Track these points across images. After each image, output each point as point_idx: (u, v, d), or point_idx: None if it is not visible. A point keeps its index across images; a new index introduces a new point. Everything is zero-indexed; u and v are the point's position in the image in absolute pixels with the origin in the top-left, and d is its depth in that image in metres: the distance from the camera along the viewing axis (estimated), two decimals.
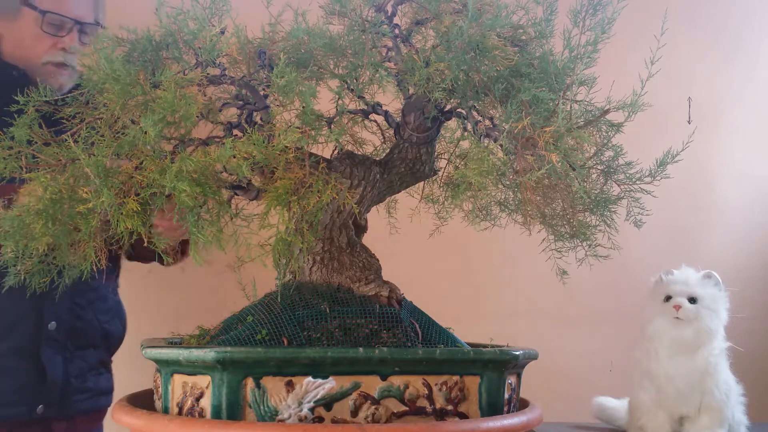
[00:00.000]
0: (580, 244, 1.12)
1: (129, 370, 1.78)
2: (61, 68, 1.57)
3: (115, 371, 1.78)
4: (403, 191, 1.20)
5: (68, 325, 1.61)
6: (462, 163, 1.22)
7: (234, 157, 0.92)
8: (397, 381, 0.94)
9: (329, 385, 0.92)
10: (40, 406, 1.59)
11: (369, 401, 0.93)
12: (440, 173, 1.23)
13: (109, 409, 1.68)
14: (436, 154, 1.17)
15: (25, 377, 1.58)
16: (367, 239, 1.18)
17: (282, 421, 0.91)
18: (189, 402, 0.97)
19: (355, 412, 0.93)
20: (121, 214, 0.94)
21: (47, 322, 1.59)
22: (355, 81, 1.06)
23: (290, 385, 0.91)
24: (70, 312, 1.60)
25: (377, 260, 1.13)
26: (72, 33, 1.57)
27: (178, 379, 0.99)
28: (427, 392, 0.96)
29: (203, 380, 0.95)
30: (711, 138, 2.43)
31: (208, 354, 0.90)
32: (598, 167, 1.06)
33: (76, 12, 1.59)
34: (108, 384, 1.71)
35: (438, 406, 0.96)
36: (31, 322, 1.58)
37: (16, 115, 1.02)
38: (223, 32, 1.00)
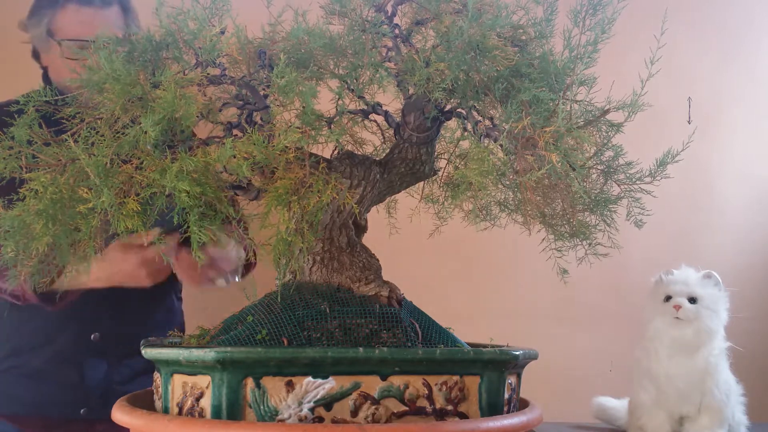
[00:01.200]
0: (580, 243, 1.12)
1: None
2: None
3: None
4: (403, 191, 1.20)
5: (113, 333, 1.67)
6: (462, 163, 1.22)
7: (234, 157, 0.92)
8: (397, 381, 0.94)
9: (329, 385, 0.92)
10: (83, 409, 1.68)
11: (369, 401, 0.93)
12: (440, 173, 1.23)
13: None
14: (436, 154, 1.17)
15: (67, 382, 1.67)
16: (367, 239, 1.18)
17: (282, 421, 0.91)
18: (189, 402, 0.97)
19: (355, 412, 0.93)
20: (121, 214, 0.94)
21: (91, 331, 1.66)
22: (355, 81, 1.06)
23: (290, 385, 0.91)
24: (114, 321, 1.65)
25: (377, 260, 1.13)
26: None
27: (178, 379, 0.99)
28: (427, 392, 0.96)
29: (203, 380, 0.95)
30: (711, 138, 2.44)
31: (208, 354, 0.90)
32: (598, 167, 1.06)
33: (95, 32, 1.59)
34: None
35: (438, 406, 0.96)
36: (73, 330, 1.66)
37: (16, 115, 1.02)
38: (223, 32, 1.00)
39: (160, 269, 1.58)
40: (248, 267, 1.77)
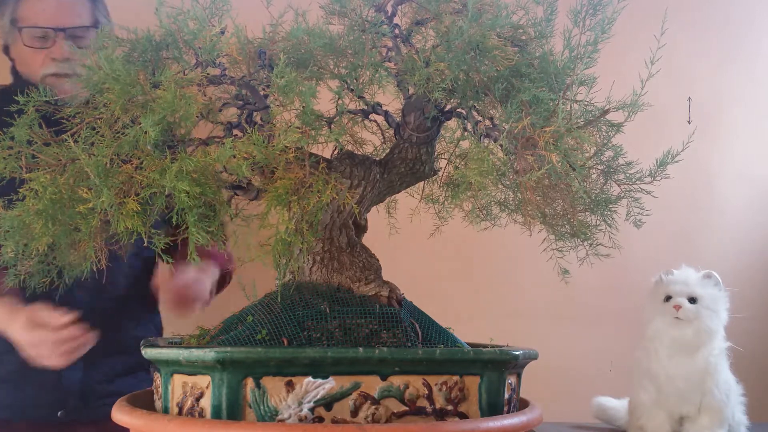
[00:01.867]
0: (580, 243, 1.12)
1: None
2: (60, 78, 1.56)
3: None
4: (403, 191, 1.20)
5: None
6: (462, 163, 1.22)
7: (234, 157, 0.92)
8: (397, 381, 0.94)
9: (329, 385, 0.92)
10: (61, 412, 1.63)
11: (369, 401, 0.93)
12: (440, 173, 1.23)
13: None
14: (436, 154, 1.17)
15: (43, 384, 1.62)
16: (367, 239, 1.18)
17: (282, 421, 0.91)
18: (189, 402, 0.97)
19: (355, 412, 0.93)
20: (121, 214, 0.94)
21: None
22: (355, 81, 1.06)
23: (290, 385, 0.91)
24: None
25: (377, 260, 1.13)
26: (58, 42, 1.56)
27: (178, 379, 0.99)
28: (427, 392, 0.96)
29: (203, 380, 0.95)
30: (711, 138, 2.43)
31: (208, 354, 0.90)
32: (598, 167, 1.06)
33: (57, 21, 1.58)
34: (143, 384, 1.69)
35: (438, 406, 0.96)
36: None
37: (16, 116, 1.02)
38: (223, 32, 1.00)
39: (77, 346, 1.48)
40: (220, 286, 1.74)
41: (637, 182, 1.04)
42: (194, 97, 0.95)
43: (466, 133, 1.15)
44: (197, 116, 0.99)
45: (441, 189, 1.26)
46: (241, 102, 1.06)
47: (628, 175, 1.05)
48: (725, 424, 1.38)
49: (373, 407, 0.93)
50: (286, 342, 1.00)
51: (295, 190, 0.97)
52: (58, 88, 1.50)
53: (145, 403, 1.07)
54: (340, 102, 1.10)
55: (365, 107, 1.15)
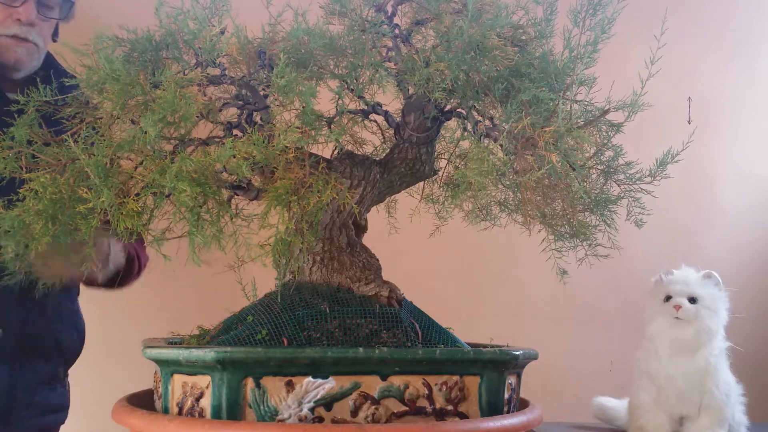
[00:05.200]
0: (580, 243, 1.12)
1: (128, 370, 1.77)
2: (17, 42, 1.41)
3: (116, 371, 1.76)
4: (403, 191, 1.20)
5: (17, 332, 1.45)
6: (462, 163, 1.22)
7: (234, 157, 0.92)
8: (397, 381, 0.94)
9: (329, 385, 0.92)
10: None
11: (369, 401, 0.93)
12: (440, 173, 1.23)
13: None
14: (436, 154, 1.17)
15: None
16: (367, 239, 1.18)
17: (282, 421, 0.91)
18: (189, 402, 0.97)
19: (355, 412, 0.93)
20: (121, 214, 0.94)
21: None
22: (355, 81, 1.06)
23: (290, 385, 0.91)
24: (20, 318, 1.44)
25: (377, 260, 1.13)
26: (28, 4, 1.41)
27: (178, 379, 0.99)
28: (427, 392, 0.96)
29: (203, 380, 0.95)
30: (711, 138, 2.44)
31: (208, 354, 0.90)
32: (598, 167, 1.06)
33: None
34: (61, 400, 1.56)
35: (438, 406, 0.96)
36: None
37: (16, 115, 1.02)
38: (223, 32, 1.00)
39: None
40: (128, 275, 1.55)
41: (637, 182, 1.04)
42: (194, 97, 0.95)
43: (466, 133, 1.15)
44: (197, 116, 0.99)
45: (441, 189, 1.26)
46: (241, 102, 1.06)
47: (628, 175, 1.05)
48: (725, 424, 1.38)
49: (373, 407, 0.93)
50: (286, 342, 1.00)
51: (295, 190, 0.97)
52: (9, 51, 1.41)
53: (145, 403, 1.07)
54: (340, 102, 1.10)
55: (365, 107, 1.15)
